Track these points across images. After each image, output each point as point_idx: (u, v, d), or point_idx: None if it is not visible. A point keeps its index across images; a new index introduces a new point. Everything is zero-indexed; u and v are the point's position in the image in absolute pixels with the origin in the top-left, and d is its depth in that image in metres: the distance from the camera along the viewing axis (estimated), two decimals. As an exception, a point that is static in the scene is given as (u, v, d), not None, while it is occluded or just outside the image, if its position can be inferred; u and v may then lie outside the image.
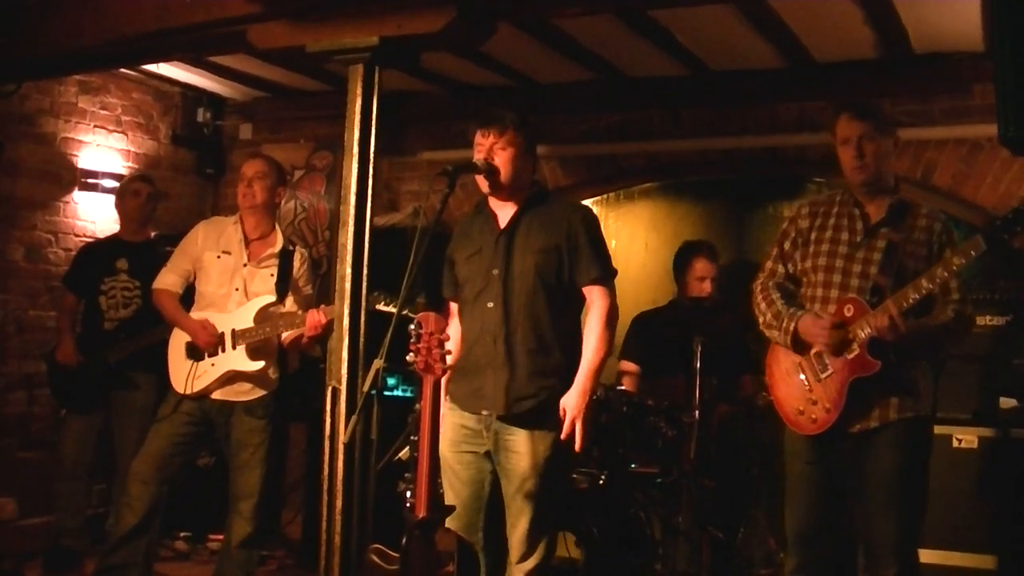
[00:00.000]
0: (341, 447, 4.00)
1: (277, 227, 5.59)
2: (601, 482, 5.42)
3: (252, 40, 4.60)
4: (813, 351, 4.24)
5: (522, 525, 4.20)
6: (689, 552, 5.40)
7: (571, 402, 4.16)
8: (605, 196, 7.95)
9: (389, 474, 4.49)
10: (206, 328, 5.29)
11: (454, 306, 4.56)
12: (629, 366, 6.10)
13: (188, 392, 5.30)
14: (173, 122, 8.20)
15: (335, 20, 4.30)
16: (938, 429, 5.34)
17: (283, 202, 7.66)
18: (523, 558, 4.21)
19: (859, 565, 4.98)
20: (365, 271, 4.16)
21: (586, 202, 7.75)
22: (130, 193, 6.52)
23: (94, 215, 7.41)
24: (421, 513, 3.67)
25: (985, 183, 6.16)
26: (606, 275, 4.35)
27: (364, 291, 4.14)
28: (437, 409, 3.76)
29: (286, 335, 5.34)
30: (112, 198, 6.80)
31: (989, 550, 5.38)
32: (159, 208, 6.98)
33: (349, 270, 4.14)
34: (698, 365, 5.34)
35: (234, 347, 5.29)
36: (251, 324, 5.28)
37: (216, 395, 5.33)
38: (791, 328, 4.26)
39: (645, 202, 7.98)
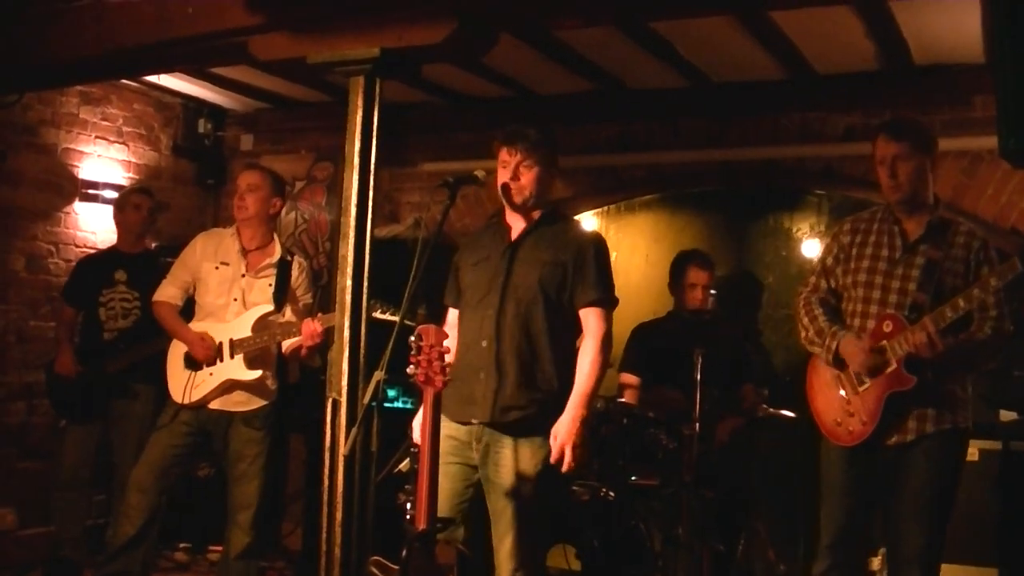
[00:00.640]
0: (341, 459, 3.99)
1: (276, 237, 5.60)
2: (601, 494, 5.42)
3: (253, 51, 4.60)
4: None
5: (509, 540, 4.19)
6: (689, 564, 5.39)
7: (562, 429, 4.16)
8: (605, 208, 7.95)
9: (389, 486, 4.47)
10: (204, 340, 5.30)
11: (452, 314, 4.57)
12: (630, 378, 6.09)
13: (186, 402, 5.30)
14: (174, 133, 8.20)
15: (336, 31, 4.30)
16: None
17: (284, 213, 7.68)
18: (510, 573, 4.19)
19: (871, 569, 5.00)
20: (366, 282, 4.15)
21: (586, 213, 7.77)
22: (131, 206, 6.52)
23: (95, 226, 7.40)
24: (421, 525, 3.66)
25: (985, 195, 6.15)
26: (605, 300, 4.35)
27: (365, 303, 4.13)
28: (437, 421, 3.76)
29: (286, 346, 5.35)
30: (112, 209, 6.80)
31: (991, 562, 5.38)
32: (159, 219, 7.00)
33: (350, 281, 4.14)
34: (698, 376, 5.33)
35: (232, 356, 5.30)
36: (249, 333, 5.29)
37: (214, 405, 5.34)
38: (833, 346, 4.35)
39: (646, 214, 7.98)
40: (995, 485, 5.40)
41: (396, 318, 3.98)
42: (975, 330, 4.16)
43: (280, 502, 6.86)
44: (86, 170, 7.41)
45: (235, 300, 5.39)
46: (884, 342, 4.20)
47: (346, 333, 4.11)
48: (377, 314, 4.63)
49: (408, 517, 4.25)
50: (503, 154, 4.39)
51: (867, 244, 4.44)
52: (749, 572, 5.86)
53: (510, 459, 4.20)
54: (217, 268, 5.45)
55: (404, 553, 3.65)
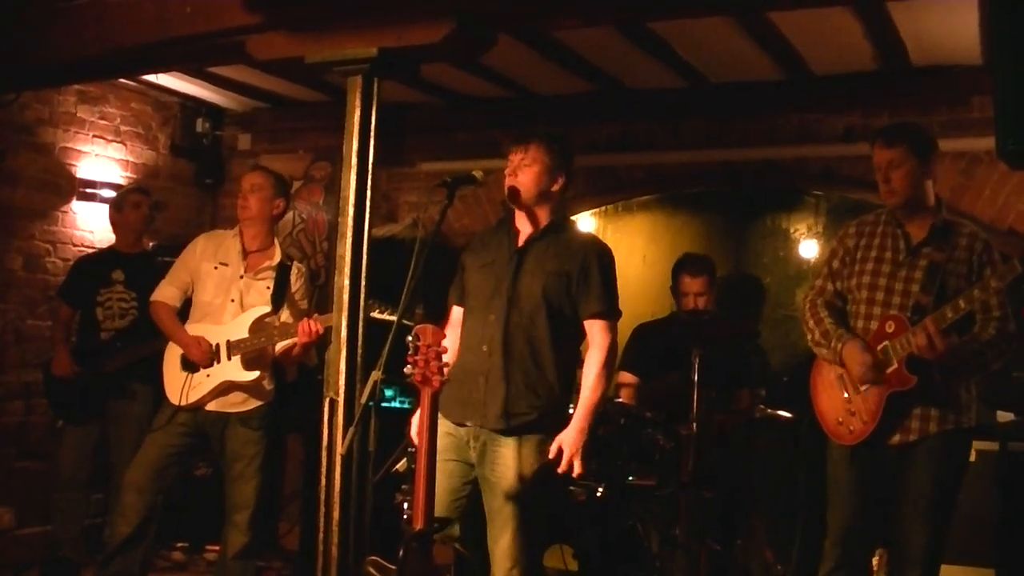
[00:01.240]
0: (339, 459, 3.99)
1: (276, 241, 5.60)
2: (599, 494, 5.41)
3: (251, 51, 4.60)
4: None
5: (505, 539, 4.20)
6: (686, 564, 5.38)
7: (568, 439, 4.19)
8: (604, 208, 7.94)
9: (387, 486, 4.48)
10: (200, 344, 5.30)
11: (456, 311, 4.57)
12: (628, 377, 6.09)
13: (183, 403, 5.30)
14: (172, 132, 8.19)
15: (334, 31, 4.30)
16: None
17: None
18: (507, 573, 4.20)
19: (871, 568, 5.01)
20: (364, 282, 4.14)
21: (584, 214, 7.76)
22: (130, 205, 6.52)
23: (93, 225, 7.39)
24: (418, 525, 3.67)
25: (983, 196, 6.16)
26: (610, 312, 4.37)
27: (362, 302, 4.13)
28: (435, 421, 3.76)
29: (278, 348, 5.34)
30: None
31: (988, 563, 5.37)
32: (157, 218, 6.99)
33: (347, 281, 4.13)
34: (696, 377, 5.33)
35: (229, 358, 5.30)
36: (246, 335, 5.29)
37: (211, 406, 5.34)
38: (839, 348, 4.38)
39: (644, 214, 7.97)
40: (993, 486, 5.40)
41: (394, 318, 3.98)
42: (979, 331, 4.19)
43: (277, 502, 6.86)
44: (84, 169, 7.40)
45: (232, 301, 5.39)
46: (886, 343, 4.23)
47: (344, 333, 4.11)
48: (375, 314, 4.63)
49: (405, 517, 4.25)
50: (510, 156, 4.43)
51: (871, 247, 4.47)
52: (746, 572, 5.86)
53: (508, 458, 4.20)
54: (216, 268, 5.45)
55: (401, 553, 3.65)
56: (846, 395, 4.39)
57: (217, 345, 5.32)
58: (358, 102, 4.21)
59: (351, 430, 3.82)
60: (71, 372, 6.21)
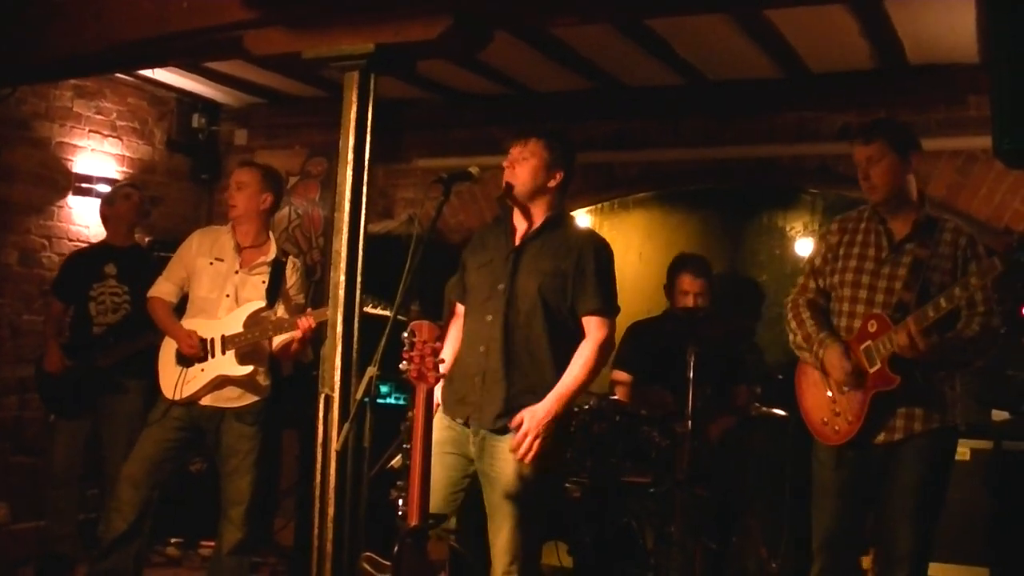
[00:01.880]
0: (334, 454, 3.99)
1: (271, 236, 5.60)
2: (594, 491, 5.42)
3: (248, 46, 4.59)
4: None
5: (505, 534, 4.20)
6: (682, 562, 5.39)
7: (530, 416, 4.16)
8: (600, 205, 7.94)
9: (381, 482, 4.47)
10: (191, 337, 5.29)
11: (459, 308, 4.57)
12: (622, 375, 6.09)
13: (177, 398, 5.30)
14: (168, 127, 8.19)
15: (331, 27, 4.29)
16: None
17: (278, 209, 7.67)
18: (506, 567, 4.20)
19: (862, 568, 5.01)
20: (359, 278, 4.14)
21: (580, 211, 7.76)
22: (121, 197, 6.53)
23: (88, 220, 7.38)
24: (413, 521, 3.66)
25: (979, 195, 6.16)
26: (607, 308, 4.34)
27: (358, 298, 4.13)
28: (430, 417, 3.76)
29: (276, 342, 5.34)
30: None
31: (982, 562, 5.38)
32: (153, 213, 6.98)
33: (343, 277, 4.13)
34: (691, 375, 5.33)
35: (224, 352, 5.30)
36: (241, 329, 5.29)
37: (205, 401, 5.34)
38: (820, 354, 4.37)
39: (640, 211, 7.97)
40: (987, 485, 5.41)
41: (388, 313, 3.97)
42: (962, 327, 4.17)
43: (273, 497, 6.85)
44: (80, 164, 7.40)
45: (227, 296, 5.39)
46: (869, 342, 4.21)
47: (339, 329, 4.10)
48: (368, 308, 4.62)
49: (400, 513, 4.25)
50: (510, 149, 4.42)
51: (854, 244, 4.46)
52: (741, 570, 5.87)
53: (507, 454, 4.20)
54: (211, 264, 5.45)
55: (396, 549, 3.65)
56: (830, 395, 4.37)
57: (212, 340, 5.32)
58: (355, 98, 4.20)
59: (346, 426, 3.81)
60: (62, 367, 6.20)
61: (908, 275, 4.25)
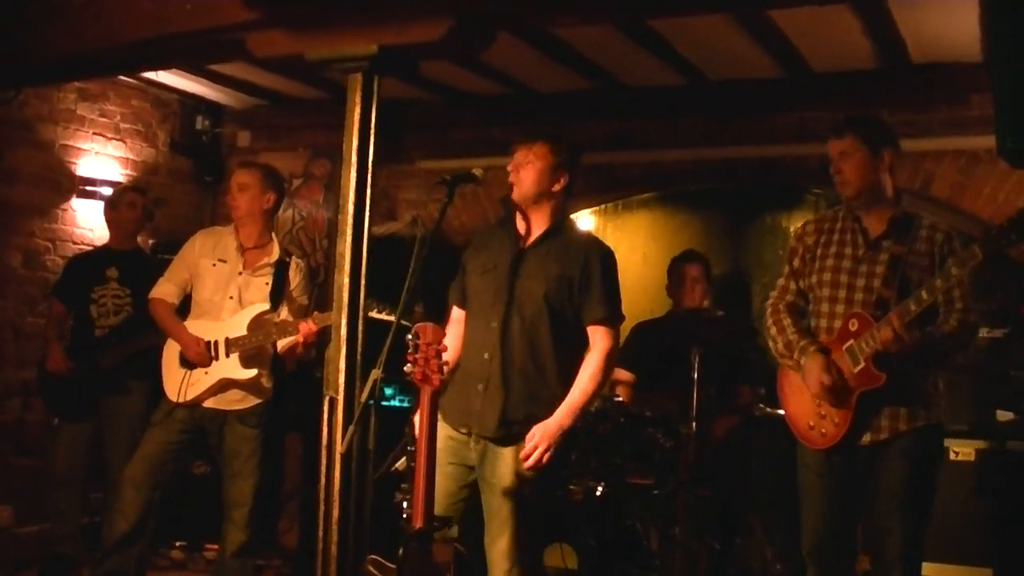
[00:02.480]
0: (338, 457, 3.98)
1: (274, 237, 5.60)
2: (598, 493, 5.42)
3: (251, 48, 4.59)
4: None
5: (503, 541, 4.19)
6: (686, 562, 5.39)
7: (542, 429, 4.17)
8: (603, 206, 7.95)
9: (386, 484, 4.48)
10: (199, 344, 5.29)
11: (457, 312, 4.56)
12: (624, 375, 6.09)
13: (181, 400, 5.30)
14: (171, 130, 8.19)
15: (334, 28, 4.29)
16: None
17: (281, 211, 7.67)
18: (505, 574, 4.19)
19: (859, 570, 4.99)
20: (363, 280, 4.14)
21: (583, 212, 7.76)
22: (125, 204, 6.52)
23: (92, 222, 7.39)
24: (418, 524, 3.66)
25: (983, 194, 6.16)
26: (612, 317, 4.34)
27: (362, 300, 4.12)
28: (434, 420, 3.76)
29: (282, 344, 5.34)
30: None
31: (986, 562, 5.38)
32: (157, 215, 6.99)
33: (347, 279, 4.13)
34: (694, 375, 5.33)
35: (227, 355, 5.30)
36: (245, 332, 5.29)
37: (208, 403, 5.34)
38: (802, 362, 4.33)
39: (643, 212, 7.97)
40: (991, 485, 5.40)
41: (392, 318, 3.97)
42: (940, 322, 4.15)
43: (277, 500, 6.86)
44: (83, 167, 7.40)
45: (231, 298, 5.39)
46: (851, 342, 4.18)
47: (343, 331, 4.10)
48: (373, 313, 4.62)
49: (405, 516, 4.25)
50: (515, 152, 4.40)
51: (831, 243, 4.42)
52: (745, 570, 5.86)
53: (508, 460, 4.19)
54: (215, 265, 5.45)
55: (401, 551, 3.65)
56: (810, 389, 4.32)
57: (216, 342, 5.31)
58: (358, 99, 4.20)
59: (351, 428, 3.81)
60: (65, 368, 6.20)
61: (886, 272, 4.22)
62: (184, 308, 5.55)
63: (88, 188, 7.39)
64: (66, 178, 7.31)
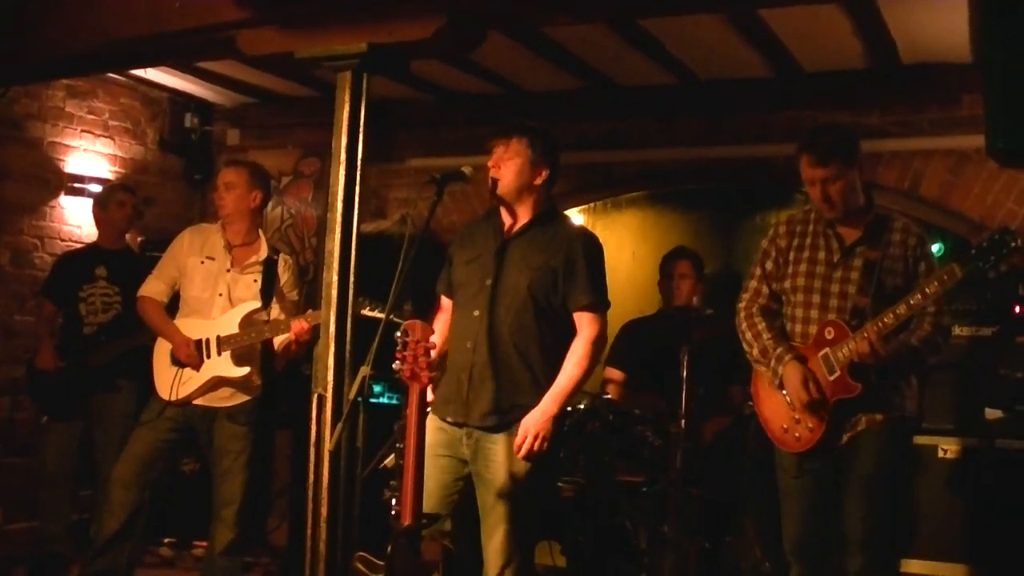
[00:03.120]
0: (327, 454, 3.98)
1: (262, 234, 5.58)
2: (587, 491, 5.41)
3: (241, 46, 4.58)
4: None
5: (499, 535, 4.19)
6: (675, 561, 5.39)
7: (531, 420, 4.17)
8: (593, 205, 7.94)
9: (375, 482, 4.47)
10: (189, 345, 5.28)
11: (445, 302, 4.57)
12: (614, 374, 6.10)
13: (173, 398, 5.28)
14: (161, 127, 8.18)
15: (324, 26, 4.28)
16: (923, 439, 5.40)
17: (270, 208, 7.68)
18: (500, 569, 4.19)
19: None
20: (352, 278, 4.14)
21: (573, 210, 7.76)
22: (115, 203, 6.51)
23: (81, 220, 7.37)
24: (407, 521, 3.66)
25: (972, 194, 6.17)
26: (598, 303, 4.33)
27: (351, 298, 4.12)
28: (423, 417, 3.76)
29: (278, 342, 5.33)
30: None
31: (975, 560, 5.39)
32: (146, 213, 6.98)
33: (336, 277, 4.12)
34: (684, 374, 5.33)
35: (219, 353, 5.28)
36: (236, 330, 5.28)
37: (199, 401, 5.32)
38: (779, 371, 4.32)
39: (633, 211, 7.97)
40: (980, 482, 5.41)
41: (383, 315, 3.97)
42: (915, 327, 4.16)
43: (266, 498, 6.85)
44: (72, 164, 7.39)
45: (220, 295, 5.38)
46: (827, 349, 4.18)
47: (332, 329, 4.10)
48: (365, 311, 4.62)
49: (393, 513, 4.24)
50: (493, 148, 4.39)
51: (804, 247, 4.40)
52: (735, 569, 5.87)
53: (501, 455, 4.19)
54: (203, 263, 5.43)
55: (389, 549, 3.65)
56: (789, 401, 4.32)
57: (207, 340, 5.30)
58: (347, 97, 4.19)
59: (339, 426, 3.81)
60: (54, 365, 6.19)
61: (861, 279, 4.21)
62: (172, 306, 5.53)
63: (77, 185, 7.37)
64: (54, 175, 7.30)
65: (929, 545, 5.44)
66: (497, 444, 4.21)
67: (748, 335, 4.51)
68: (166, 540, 6.94)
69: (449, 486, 4.30)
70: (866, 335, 4.02)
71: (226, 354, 5.28)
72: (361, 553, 3.85)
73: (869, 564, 4.16)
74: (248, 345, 5.31)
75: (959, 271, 3.88)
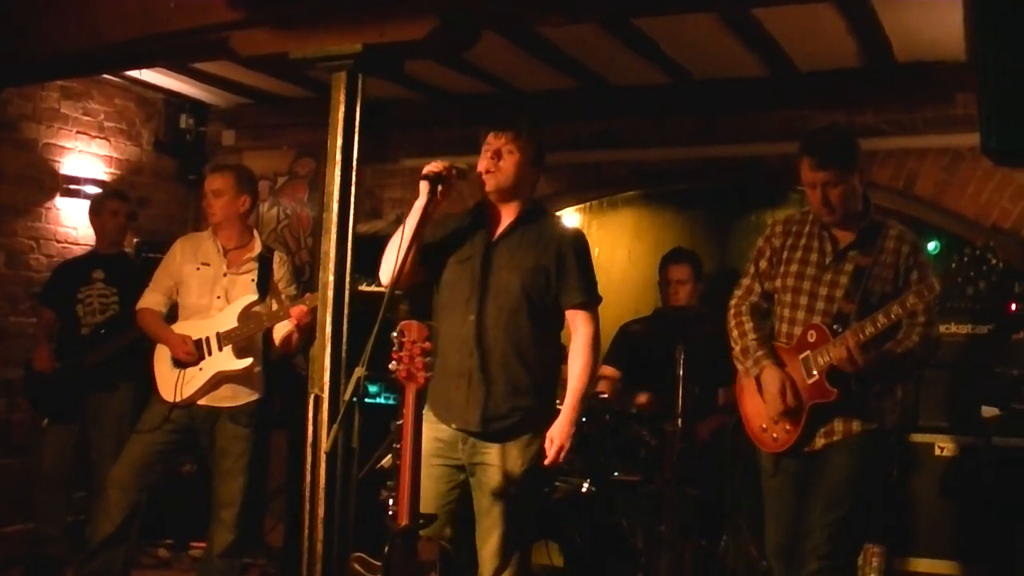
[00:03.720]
0: (323, 455, 3.98)
1: (255, 233, 5.59)
2: (584, 490, 5.42)
3: (235, 47, 4.58)
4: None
5: (494, 539, 4.19)
6: (671, 560, 5.39)
7: (558, 431, 4.18)
8: (588, 204, 7.94)
9: (371, 482, 4.47)
10: (185, 342, 5.28)
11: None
12: (609, 371, 6.11)
13: (178, 400, 5.28)
14: (155, 128, 8.17)
15: (318, 27, 4.28)
16: (920, 437, 5.42)
17: (266, 209, 7.69)
18: (495, 573, 4.19)
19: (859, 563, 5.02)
20: (348, 278, 4.13)
21: (568, 210, 7.76)
22: (108, 212, 6.54)
23: (76, 221, 7.36)
24: (403, 522, 3.66)
25: (967, 192, 6.18)
26: (591, 301, 4.34)
27: (347, 299, 4.12)
28: (419, 417, 3.76)
29: (278, 336, 5.33)
30: (93, 206, 6.78)
31: (972, 558, 5.40)
32: (141, 214, 6.97)
33: (332, 278, 4.12)
34: (680, 373, 5.33)
35: (220, 349, 5.29)
36: (235, 324, 5.28)
37: (203, 401, 5.32)
38: (757, 373, 4.35)
39: (628, 210, 7.98)
40: (977, 480, 5.42)
41: (383, 289, 3.95)
42: (902, 337, 4.15)
43: (262, 498, 6.84)
44: (67, 165, 7.38)
45: (218, 298, 5.38)
46: (807, 352, 4.19)
47: (328, 329, 4.09)
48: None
49: (390, 513, 4.24)
50: (489, 138, 4.34)
51: (797, 248, 4.40)
52: (731, 569, 5.87)
53: (497, 459, 4.19)
54: (198, 269, 5.44)
55: (386, 549, 3.65)
56: (767, 405, 4.34)
57: (207, 338, 5.30)
58: (342, 98, 4.19)
59: (335, 426, 3.80)
60: (51, 367, 6.19)
61: (849, 284, 4.21)
62: (171, 317, 5.53)
63: (72, 187, 7.36)
64: (49, 177, 7.28)
65: (925, 543, 5.45)
66: (491, 449, 4.21)
67: (734, 332, 4.53)
68: (163, 541, 6.95)
69: (444, 495, 4.28)
70: (845, 342, 4.03)
71: (227, 348, 5.29)
72: (358, 554, 3.85)
73: (821, 571, 4.15)
74: (249, 337, 5.30)
75: (938, 285, 3.90)
